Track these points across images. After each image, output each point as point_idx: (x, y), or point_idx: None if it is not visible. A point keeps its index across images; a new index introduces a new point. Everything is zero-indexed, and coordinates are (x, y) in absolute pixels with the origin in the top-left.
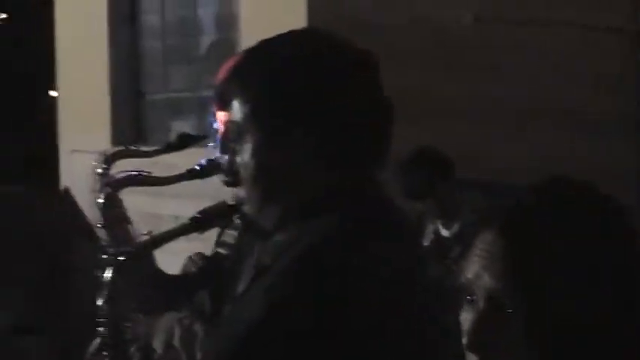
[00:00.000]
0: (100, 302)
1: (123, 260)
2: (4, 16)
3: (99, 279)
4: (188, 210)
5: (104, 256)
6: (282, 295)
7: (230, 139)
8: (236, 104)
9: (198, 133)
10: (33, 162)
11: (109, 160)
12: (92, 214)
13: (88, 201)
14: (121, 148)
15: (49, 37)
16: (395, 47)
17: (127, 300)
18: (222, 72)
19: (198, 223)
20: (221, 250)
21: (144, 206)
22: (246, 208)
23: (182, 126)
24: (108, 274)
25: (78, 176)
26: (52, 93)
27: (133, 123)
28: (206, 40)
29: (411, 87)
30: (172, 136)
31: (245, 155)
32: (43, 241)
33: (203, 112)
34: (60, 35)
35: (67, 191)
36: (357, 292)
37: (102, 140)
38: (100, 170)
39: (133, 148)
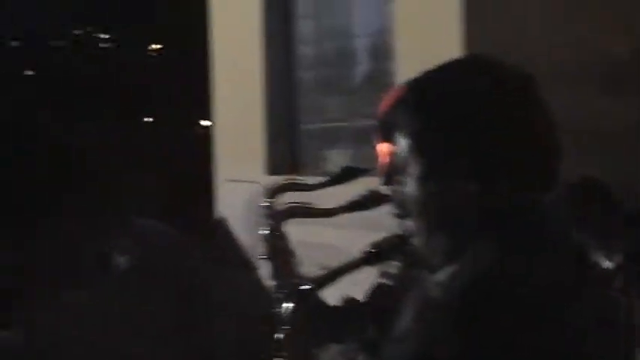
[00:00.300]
0: (279, 335)
1: (302, 294)
2: (157, 46)
3: (273, 312)
4: (342, 238)
5: (276, 290)
6: (444, 330)
7: (394, 171)
8: (400, 136)
9: (354, 163)
10: (185, 193)
11: (274, 192)
12: (248, 244)
13: (244, 231)
14: (286, 180)
15: (203, 67)
16: (554, 72)
17: (301, 333)
18: (385, 103)
19: (372, 257)
20: (385, 281)
21: (297, 234)
22: (414, 240)
23: (337, 156)
24: (286, 307)
25: (232, 206)
26: (205, 122)
27: (288, 153)
28: (361, 70)
29: (568, 113)
30: (328, 166)
31: (410, 187)
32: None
33: (358, 142)
34: (215, 65)
35: (221, 221)
36: (515, 324)
37: (256, 170)
38: (265, 203)
39: (297, 180)
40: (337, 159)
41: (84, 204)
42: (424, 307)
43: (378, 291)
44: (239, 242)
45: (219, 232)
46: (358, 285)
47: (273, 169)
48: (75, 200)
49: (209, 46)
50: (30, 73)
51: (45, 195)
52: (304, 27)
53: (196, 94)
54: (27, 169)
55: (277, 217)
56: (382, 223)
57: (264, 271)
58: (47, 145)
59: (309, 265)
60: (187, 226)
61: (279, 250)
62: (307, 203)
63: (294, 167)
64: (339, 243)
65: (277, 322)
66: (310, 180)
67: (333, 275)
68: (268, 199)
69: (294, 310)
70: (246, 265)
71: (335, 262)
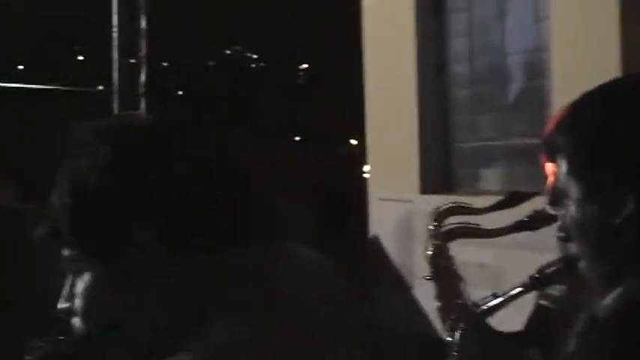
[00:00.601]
0: None
1: (471, 320)
2: (304, 66)
3: (436, 335)
4: (501, 258)
5: (441, 312)
6: (610, 353)
7: (559, 193)
8: (560, 158)
9: (509, 182)
10: (338, 212)
11: (442, 215)
12: (402, 263)
13: (397, 249)
14: (453, 204)
15: (354, 86)
16: None
17: (470, 358)
18: (551, 123)
19: (538, 282)
20: (545, 303)
21: (456, 254)
22: (579, 263)
23: (491, 175)
24: (455, 332)
25: (386, 225)
26: (354, 141)
27: (441, 172)
28: (515, 88)
29: None
30: (482, 184)
31: (571, 210)
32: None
33: (512, 160)
34: (369, 84)
35: (375, 240)
36: None
37: (410, 189)
38: (431, 227)
39: (464, 204)
40: (491, 177)
41: (247, 228)
42: (590, 330)
43: (540, 314)
44: (393, 261)
45: (372, 250)
46: (516, 305)
47: (427, 187)
48: (239, 225)
49: (360, 65)
50: (180, 93)
51: (211, 221)
52: (458, 45)
53: (346, 112)
54: (188, 193)
55: (443, 238)
56: (540, 242)
57: (423, 290)
58: (204, 166)
59: (469, 286)
60: (341, 245)
61: (444, 271)
62: (472, 223)
63: (447, 186)
64: (498, 263)
65: (444, 346)
66: (477, 203)
67: (502, 301)
68: (435, 222)
69: (463, 336)
70: (400, 284)
71: (494, 282)
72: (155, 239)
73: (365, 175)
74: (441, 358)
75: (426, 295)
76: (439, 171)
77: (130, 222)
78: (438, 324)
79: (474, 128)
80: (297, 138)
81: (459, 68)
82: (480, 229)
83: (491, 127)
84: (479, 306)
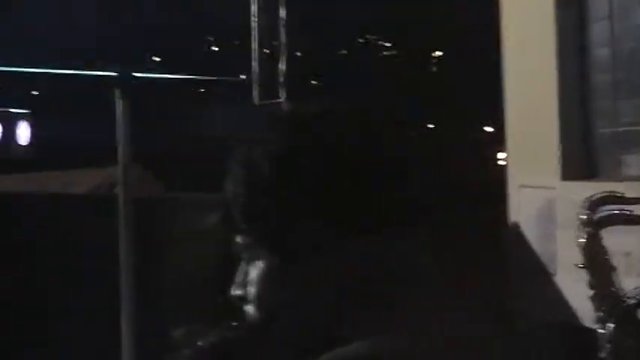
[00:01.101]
0: (603, 355)
1: (624, 313)
2: (439, 53)
3: (590, 327)
4: (635, 246)
5: (594, 301)
6: None
7: None
8: None
9: None
10: (476, 200)
11: (595, 204)
12: (542, 251)
13: (538, 237)
14: (606, 193)
15: (488, 72)
16: None
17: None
18: None
19: None
20: None
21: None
22: None
23: (633, 160)
24: (609, 325)
25: (527, 212)
26: (487, 128)
27: (583, 158)
28: None
29: None
30: (625, 171)
31: None
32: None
33: None
34: (507, 70)
35: (515, 227)
36: None
37: (550, 175)
38: (584, 215)
39: (618, 193)
40: (634, 163)
41: (396, 215)
42: None
43: None
44: (533, 248)
45: (512, 238)
46: None
47: (568, 174)
48: (392, 212)
49: (498, 50)
50: (314, 82)
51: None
52: (599, 29)
53: (482, 99)
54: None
55: (596, 226)
56: None
57: (565, 278)
58: (366, 153)
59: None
60: (480, 232)
61: (597, 259)
62: (626, 210)
63: (589, 173)
64: (628, 248)
65: (591, 336)
66: (621, 190)
67: None
68: (587, 211)
69: (617, 328)
70: (542, 272)
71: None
72: (326, 225)
73: (502, 162)
74: (587, 348)
75: (568, 284)
76: (580, 157)
77: (302, 209)
78: (581, 313)
79: (615, 113)
80: (431, 126)
81: (600, 52)
82: (634, 215)
83: (633, 111)
84: (631, 296)
